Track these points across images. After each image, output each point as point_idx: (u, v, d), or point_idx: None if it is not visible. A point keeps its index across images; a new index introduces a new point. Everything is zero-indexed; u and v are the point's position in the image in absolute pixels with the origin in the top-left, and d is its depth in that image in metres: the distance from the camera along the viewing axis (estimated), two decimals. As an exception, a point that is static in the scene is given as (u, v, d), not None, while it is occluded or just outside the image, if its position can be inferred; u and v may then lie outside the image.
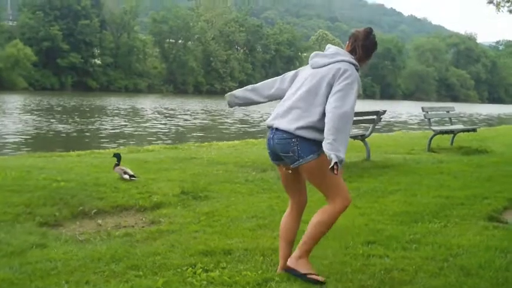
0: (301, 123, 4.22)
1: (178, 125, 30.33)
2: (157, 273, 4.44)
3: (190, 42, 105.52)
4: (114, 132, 25.27)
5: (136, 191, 7.59)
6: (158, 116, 37.53)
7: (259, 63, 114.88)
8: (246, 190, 8.04)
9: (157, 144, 17.63)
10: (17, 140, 21.96)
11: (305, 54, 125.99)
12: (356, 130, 12.23)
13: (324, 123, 4.12)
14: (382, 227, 5.95)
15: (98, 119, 32.06)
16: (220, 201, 7.24)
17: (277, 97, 4.69)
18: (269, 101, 4.81)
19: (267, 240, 5.37)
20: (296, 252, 4.43)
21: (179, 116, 37.42)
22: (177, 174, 9.00)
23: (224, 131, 28.07)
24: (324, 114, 4.17)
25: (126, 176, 8.45)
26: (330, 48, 4.51)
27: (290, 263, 4.41)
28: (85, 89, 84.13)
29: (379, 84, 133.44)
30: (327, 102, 4.19)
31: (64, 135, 24.42)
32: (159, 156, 11.29)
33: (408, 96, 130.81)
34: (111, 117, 34.24)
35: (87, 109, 42.77)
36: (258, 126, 32.22)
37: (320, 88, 4.27)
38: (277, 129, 4.34)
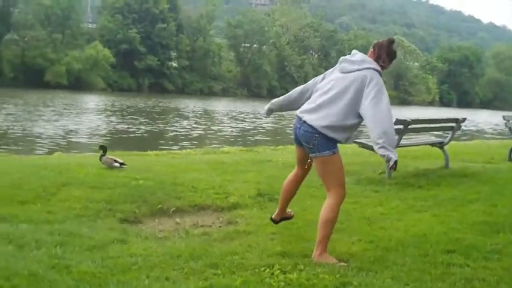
0: (326, 122, 4.84)
1: (249, 128, 30.44)
2: (235, 273, 4.46)
3: (264, 46, 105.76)
4: (188, 134, 25.58)
5: (213, 191, 7.66)
6: (230, 118, 37.79)
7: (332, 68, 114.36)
8: (321, 194, 7.92)
9: (232, 147, 17.73)
10: (96, 138, 22.51)
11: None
12: (434, 137, 12.00)
13: (344, 122, 4.85)
14: (462, 236, 5.81)
15: (172, 120, 32.51)
16: (296, 205, 7.18)
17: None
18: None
19: (344, 245, 5.33)
20: (316, 251, 4.94)
21: (249, 119, 37.58)
22: (253, 176, 9.04)
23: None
24: (345, 115, 4.84)
25: (117, 164, 8.78)
26: (357, 55, 5.10)
27: (315, 259, 4.88)
28: (161, 91, 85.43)
29: (456, 91, 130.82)
30: (364, 107, 4.80)
31: (140, 135, 24.88)
32: (235, 158, 11.36)
33: (486, 104, 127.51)
34: (185, 119, 34.69)
35: (162, 111, 43.45)
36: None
37: (347, 93, 4.86)
38: (304, 122, 4.94)
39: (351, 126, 4.96)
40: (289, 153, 13.12)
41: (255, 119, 38.34)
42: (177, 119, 35.07)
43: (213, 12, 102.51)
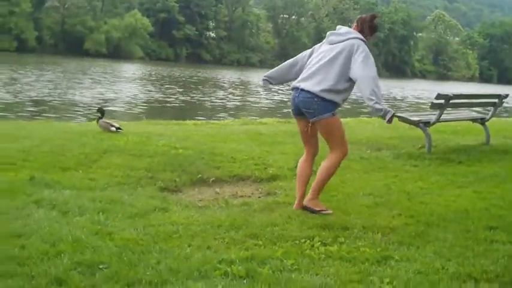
0: (323, 86, 5.31)
1: (286, 100, 30.35)
2: (275, 244, 4.46)
3: (303, 18, 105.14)
4: (225, 104, 25.61)
5: (252, 162, 7.67)
6: (267, 90, 37.72)
7: (372, 41, 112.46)
8: (361, 167, 7.95)
9: (270, 118, 17.70)
10: (135, 106, 22.68)
11: (420, 34, 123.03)
12: (475, 113, 11.83)
13: (338, 86, 5.33)
14: (504, 213, 5.72)
15: (210, 90, 32.56)
16: (335, 177, 7.13)
17: (301, 72, 5.65)
18: (296, 77, 5.69)
19: (384, 219, 5.29)
20: (309, 195, 5.51)
21: (286, 91, 37.43)
22: (291, 148, 9.00)
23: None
24: (338, 79, 5.32)
25: (113, 128, 8.94)
26: (342, 28, 5.66)
27: (306, 203, 5.47)
28: (198, 61, 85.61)
29: (497, 68, 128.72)
30: (354, 72, 5.28)
31: (177, 104, 24.99)
32: (272, 130, 11.35)
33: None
34: (222, 90, 34.72)
35: (200, 81, 43.53)
36: (363, 104, 31.79)
37: (338, 59, 5.36)
38: (302, 89, 5.40)
39: (344, 89, 5.41)
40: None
41: (291, 91, 38.17)
42: (214, 89, 35.13)
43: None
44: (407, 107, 33.84)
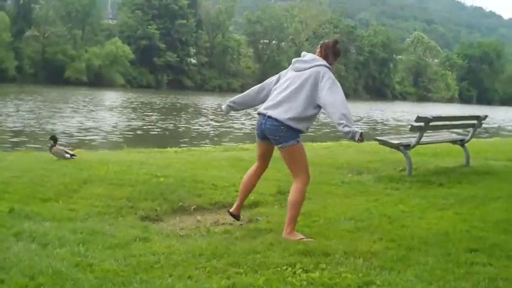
0: (290, 114, 5.46)
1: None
2: (257, 271, 4.45)
3: (284, 43, 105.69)
4: (206, 131, 25.62)
5: (234, 189, 7.66)
6: (248, 115, 37.82)
7: (352, 65, 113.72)
8: (342, 192, 7.98)
9: (251, 143, 17.71)
10: (116, 135, 22.63)
11: (400, 56, 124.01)
12: (455, 135, 11.93)
13: (304, 113, 5.48)
14: (485, 235, 5.76)
15: (191, 117, 32.59)
16: (316, 202, 7.21)
17: (267, 98, 5.83)
18: (263, 102, 5.88)
19: (366, 244, 5.29)
20: (286, 230, 5.57)
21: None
22: (272, 173, 8.94)
23: (314, 133, 27.97)
24: (305, 107, 5.48)
25: (67, 155, 8.98)
26: (307, 55, 5.85)
27: (285, 236, 5.51)
28: (180, 88, 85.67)
29: (476, 88, 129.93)
30: (322, 99, 5.45)
31: (158, 132, 24.97)
32: (254, 155, 11.31)
33: (507, 101, 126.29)
34: (204, 116, 34.75)
35: (181, 107, 43.56)
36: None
37: (304, 87, 5.53)
38: (269, 117, 5.53)
39: (311, 116, 5.61)
40: (308, 150, 13.07)
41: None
42: (196, 115, 35.16)
43: (232, 8, 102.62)
44: (388, 129, 34.04)
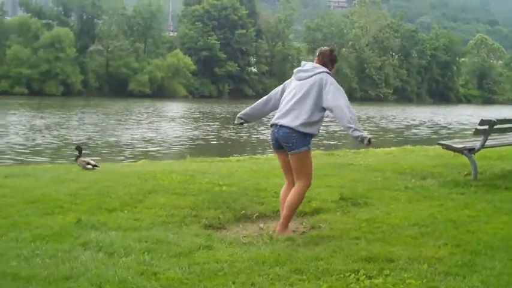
0: (299, 121, 5.85)
1: (329, 132, 30.30)
2: (320, 278, 4.45)
3: (344, 48, 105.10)
4: (268, 139, 25.63)
5: (296, 197, 7.66)
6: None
7: (414, 69, 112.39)
8: (405, 197, 7.87)
9: (313, 150, 17.66)
10: (178, 145, 22.91)
11: (463, 59, 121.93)
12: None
13: (313, 118, 5.87)
14: (554, 239, 5.61)
15: (253, 125, 32.70)
16: (380, 208, 7.14)
17: (276, 107, 6.30)
18: (271, 112, 6.51)
19: (430, 249, 5.23)
20: (280, 227, 6.06)
21: (329, 123, 37.41)
22: (335, 180, 8.99)
23: (376, 139, 27.72)
24: (312, 112, 5.87)
25: (90, 166, 9.12)
26: (307, 64, 6.22)
27: (278, 233, 5.97)
28: (241, 97, 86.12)
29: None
30: (329, 102, 5.84)
31: (220, 141, 25.16)
32: (316, 162, 11.24)
33: None
34: (265, 124, 34.81)
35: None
36: (407, 132, 31.49)
37: (310, 94, 5.92)
38: (281, 125, 5.94)
39: (319, 120, 5.98)
40: (371, 156, 13.01)
41: (333, 123, 38.14)
42: (257, 124, 35.27)
43: (292, 16, 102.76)
44: (452, 133, 33.46)
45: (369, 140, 5.64)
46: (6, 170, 10.56)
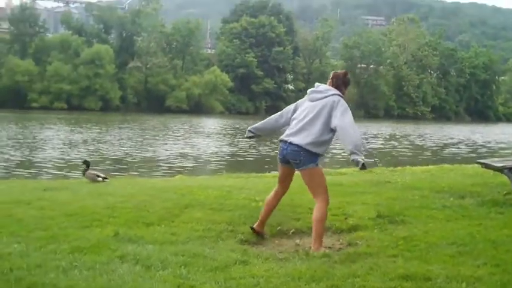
0: (308, 140, 6.09)
1: (369, 148, 30.13)
2: (357, 296, 4.42)
3: (382, 66, 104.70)
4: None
5: (332, 213, 7.62)
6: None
7: (453, 87, 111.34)
8: (443, 216, 7.77)
9: (348, 168, 17.59)
10: (215, 160, 22.99)
11: (503, 77, 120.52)
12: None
13: (321, 138, 6.11)
14: None
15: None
16: (417, 227, 7.06)
17: (287, 124, 6.56)
18: (281, 128, 6.72)
19: (469, 268, 5.16)
20: (314, 245, 6.06)
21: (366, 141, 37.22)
22: (372, 197, 8.93)
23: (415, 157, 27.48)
24: (322, 132, 6.11)
25: (100, 179, 9.16)
26: (321, 86, 6.52)
27: (314, 251, 5.94)
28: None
29: None
30: (334, 122, 6.08)
31: (258, 156, 25.17)
32: (352, 179, 11.28)
33: None
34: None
35: (280, 132, 43.73)
36: (444, 151, 31.16)
37: (321, 115, 6.17)
38: (290, 143, 6.18)
39: (327, 140, 6.22)
40: (408, 174, 12.91)
41: (373, 140, 38.00)
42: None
43: (329, 34, 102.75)
44: (491, 152, 33.02)
45: (363, 165, 5.88)
46: (45, 183, 10.71)
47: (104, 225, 6.68)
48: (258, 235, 6.57)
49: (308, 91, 6.58)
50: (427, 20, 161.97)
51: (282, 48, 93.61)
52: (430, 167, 15.99)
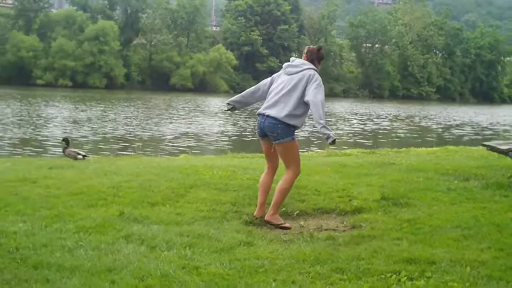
0: (285, 112, 6.31)
1: (369, 130, 30.12)
2: (361, 278, 4.45)
3: (387, 46, 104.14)
4: (309, 135, 25.61)
5: (337, 195, 7.65)
6: (350, 120, 37.54)
7: (458, 68, 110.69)
8: (448, 199, 7.78)
9: (354, 149, 17.59)
10: (220, 140, 23.00)
11: (508, 58, 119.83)
12: None
13: (298, 111, 6.35)
14: None
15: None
16: (421, 209, 7.07)
17: (263, 98, 6.76)
18: (258, 101, 6.98)
19: (473, 252, 5.17)
20: (270, 211, 6.40)
21: (370, 121, 37.20)
22: (376, 179, 8.92)
23: (421, 139, 27.45)
24: (297, 105, 6.34)
25: (80, 157, 9.26)
26: (296, 60, 6.73)
27: (268, 218, 6.36)
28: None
29: None
30: (308, 97, 6.28)
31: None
32: (357, 161, 11.27)
33: None
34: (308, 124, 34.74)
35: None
36: (449, 132, 31.12)
37: (297, 88, 6.39)
38: (268, 116, 6.39)
39: (302, 113, 6.43)
40: (413, 156, 12.90)
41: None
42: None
43: (335, 13, 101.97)
44: (496, 134, 32.96)
45: (333, 140, 6.14)
46: (51, 161, 10.73)
47: (109, 204, 6.71)
48: (269, 222, 6.44)
49: (284, 65, 6.80)
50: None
51: (287, 27, 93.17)
52: (435, 148, 16.00)
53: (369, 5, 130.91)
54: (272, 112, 6.38)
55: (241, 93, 7.10)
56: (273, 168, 6.77)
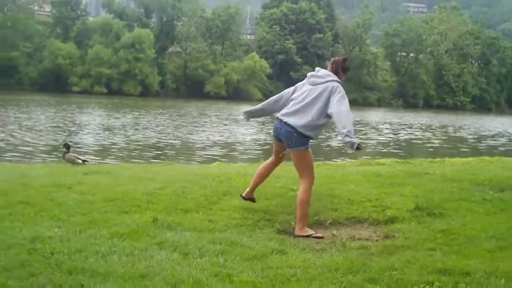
0: (303, 122, 6.38)
1: (403, 140, 29.91)
2: (394, 289, 4.42)
3: (422, 55, 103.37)
4: (343, 144, 25.46)
5: (370, 204, 7.60)
6: (384, 129, 37.32)
7: (494, 77, 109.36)
8: (483, 209, 7.68)
9: (388, 158, 17.47)
10: (254, 148, 23.04)
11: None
12: None
13: (317, 122, 6.41)
14: None
15: (327, 131, 32.57)
16: (456, 220, 7.00)
17: (285, 106, 6.71)
18: (280, 110, 6.76)
19: (508, 264, 5.09)
20: (298, 225, 6.38)
21: (404, 130, 36.93)
22: (410, 189, 8.84)
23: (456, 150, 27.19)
24: (317, 116, 6.40)
25: (79, 161, 9.23)
26: (321, 71, 6.75)
27: (297, 233, 6.32)
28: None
29: None
30: (332, 109, 6.33)
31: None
32: (391, 170, 11.19)
33: None
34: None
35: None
36: (484, 143, 30.75)
37: (319, 99, 6.44)
38: (285, 123, 6.46)
39: (321, 125, 6.56)
40: (447, 166, 12.76)
41: (410, 130, 37.68)
42: (332, 129, 35.13)
43: (370, 21, 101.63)
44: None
45: (358, 145, 6.17)
46: (87, 167, 10.85)
47: (143, 211, 6.76)
48: (251, 201, 7.07)
49: (308, 74, 6.84)
50: (469, 8, 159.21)
51: (321, 35, 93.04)
52: (470, 159, 15.79)
53: (404, 14, 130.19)
54: (290, 120, 6.45)
55: (263, 103, 7.21)
56: (275, 163, 7.07)
